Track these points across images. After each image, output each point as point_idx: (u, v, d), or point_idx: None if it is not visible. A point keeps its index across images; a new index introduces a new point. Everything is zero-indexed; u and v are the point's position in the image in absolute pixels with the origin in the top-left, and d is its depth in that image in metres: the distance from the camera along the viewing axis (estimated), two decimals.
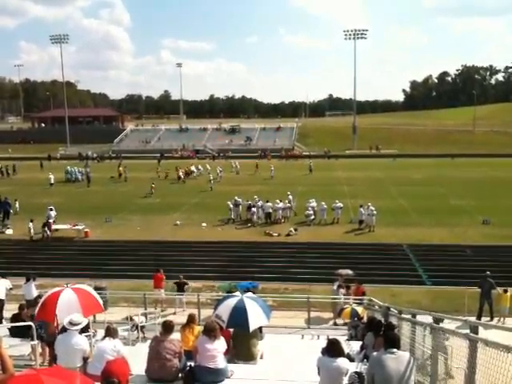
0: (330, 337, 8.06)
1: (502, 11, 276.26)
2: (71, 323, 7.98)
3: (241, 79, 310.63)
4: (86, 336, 8.68)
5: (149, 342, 8.23)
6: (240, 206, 34.59)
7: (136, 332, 13.47)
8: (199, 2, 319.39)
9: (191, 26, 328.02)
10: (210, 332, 7.67)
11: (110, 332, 7.98)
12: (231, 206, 34.11)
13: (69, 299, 8.70)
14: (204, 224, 32.70)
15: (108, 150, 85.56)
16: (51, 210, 32.19)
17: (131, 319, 13.94)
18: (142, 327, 13.78)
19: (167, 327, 7.75)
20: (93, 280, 20.12)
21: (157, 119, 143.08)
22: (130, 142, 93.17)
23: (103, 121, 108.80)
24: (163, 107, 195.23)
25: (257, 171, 58.87)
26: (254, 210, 33.13)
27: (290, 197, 36.01)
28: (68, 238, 30.49)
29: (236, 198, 35.13)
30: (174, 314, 18.01)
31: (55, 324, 8.91)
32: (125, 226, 32.96)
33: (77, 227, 30.94)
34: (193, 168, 58.14)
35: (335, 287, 18.05)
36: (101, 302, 9.26)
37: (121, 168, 56.03)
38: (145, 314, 15.06)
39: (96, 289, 18.12)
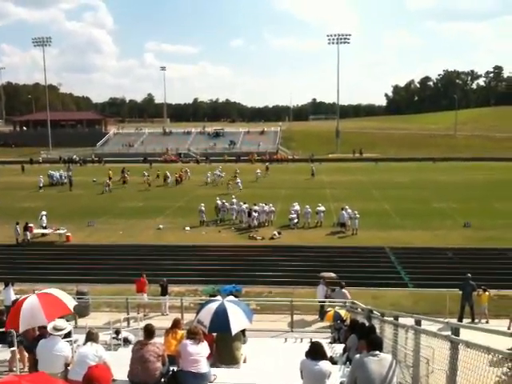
0: (313, 340, 8.07)
1: (485, 16, 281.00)
2: (55, 328, 7.89)
3: (225, 83, 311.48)
4: (68, 342, 8.59)
5: (131, 346, 8.16)
6: (227, 209, 34.64)
7: (119, 338, 13.37)
8: (183, 5, 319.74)
9: (175, 29, 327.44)
10: (193, 336, 7.63)
11: (92, 337, 7.89)
12: (203, 208, 34.12)
13: (31, 306, 8.54)
14: (187, 228, 32.59)
15: (91, 153, 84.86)
16: (44, 215, 31.98)
17: (117, 332, 13.78)
18: (126, 339, 13.64)
19: (149, 331, 7.68)
20: (75, 285, 19.97)
21: (140, 123, 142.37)
22: (112, 146, 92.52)
23: (86, 124, 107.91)
24: (147, 111, 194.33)
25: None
26: (255, 214, 33.05)
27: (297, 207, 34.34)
28: (49, 242, 30.17)
29: (223, 201, 35.23)
30: (163, 315, 17.96)
31: (20, 331, 8.80)
32: (107, 230, 32.71)
33: (58, 231, 30.63)
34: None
35: (322, 289, 18.17)
36: (70, 303, 9.06)
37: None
38: (127, 320, 14.94)
39: (78, 294, 18.11)
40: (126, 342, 13.29)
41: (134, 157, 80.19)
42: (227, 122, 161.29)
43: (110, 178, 52.60)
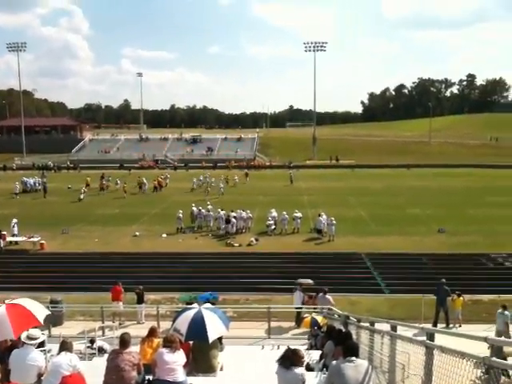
0: (291, 347, 8.07)
1: (457, 25, 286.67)
2: (29, 338, 7.73)
3: (202, 89, 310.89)
4: (42, 351, 8.42)
5: (106, 355, 8.05)
6: (203, 216, 34.52)
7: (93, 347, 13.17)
8: (160, 11, 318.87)
9: (152, 36, 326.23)
10: (169, 344, 7.57)
11: (66, 346, 7.75)
12: (180, 215, 34.03)
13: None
14: (164, 235, 32.37)
15: (66, 160, 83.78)
16: (15, 223, 31.43)
17: (92, 341, 13.58)
18: (101, 348, 13.44)
19: (124, 340, 7.59)
20: (49, 293, 19.64)
21: (116, 129, 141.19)
22: (88, 152, 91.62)
23: (61, 130, 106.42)
24: (123, 117, 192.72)
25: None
26: (234, 221, 32.94)
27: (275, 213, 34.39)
28: (23, 250, 29.63)
29: (200, 207, 35.10)
30: (139, 323, 17.77)
31: None
32: (82, 237, 32.26)
33: (32, 239, 30.11)
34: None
35: (298, 295, 18.24)
36: (41, 315, 8.86)
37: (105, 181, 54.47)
38: (102, 329, 14.74)
39: (52, 302, 17.80)
40: (101, 351, 13.10)
41: (110, 163, 79.45)
42: (204, 128, 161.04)
43: (87, 185, 51.97)
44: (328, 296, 17.93)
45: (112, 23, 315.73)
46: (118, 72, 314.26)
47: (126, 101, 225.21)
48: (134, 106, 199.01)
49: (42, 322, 8.65)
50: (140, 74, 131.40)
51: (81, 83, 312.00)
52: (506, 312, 15.99)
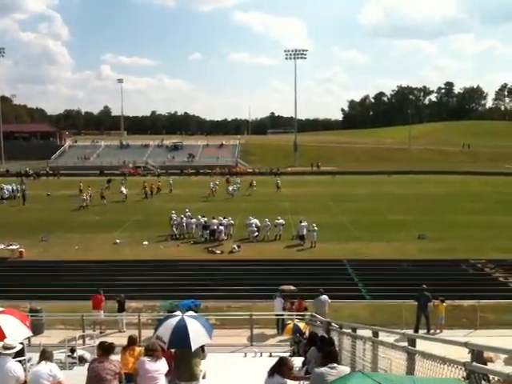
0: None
1: (433, 35, 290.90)
2: (4, 347, 7.59)
3: (183, 96, 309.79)
4: (20, 361, 8.28)
5: (87, 365, 7.96)
6: (185, 224, 34.36)
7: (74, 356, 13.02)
8: (141, 17, 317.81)
9: (132, 42, 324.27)
10: (151, 353, 7.52)
11: (46, 355, 7.64)
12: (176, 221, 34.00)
13: None
14: (145, 242, 32.14)
15: (45, 166, 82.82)
16: None
17: (72, 350, 13.41)
18: (82, 357, 13.28)
19: (105, 348, 7.52)
20: (28, 302, 19.36)
21: (97, 135, 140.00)
22: (67, 159, 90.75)
23: (40, 137, 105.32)
24: (103, 123, 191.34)
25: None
26: (221, 228, 32.70)
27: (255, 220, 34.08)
28: (1, 258, 29.12)
29: (182, 216, 34.94)
30: (120, 331, 17.59)
31: None
32: (62, 245, 31.86)
33: (11, 247, 29.65)
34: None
35: (279, 301, 18.27)
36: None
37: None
38: (83, 337, 14.57)
39: (31, 311, 17.55)
40: (82, 360, 12.96)
41: (89, 170, 78.81)
42: (186, 135, 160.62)
43: (80, 191, 51.28)
44: (325, 296, 18.22)
45: (92, 29, 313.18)
46: (98, 78, 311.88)
47: (106, 107, 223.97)
48: (115, 112, 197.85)
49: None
50: (120, 81, 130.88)
51: (60, 89, 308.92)
52: None
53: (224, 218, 33.94)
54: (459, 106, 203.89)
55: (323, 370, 5.97)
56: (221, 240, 32.25)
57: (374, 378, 3.21)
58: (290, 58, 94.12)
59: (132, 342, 9.05)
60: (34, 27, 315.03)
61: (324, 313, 17.78)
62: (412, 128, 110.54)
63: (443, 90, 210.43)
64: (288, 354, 12.89)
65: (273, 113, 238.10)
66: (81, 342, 15.87)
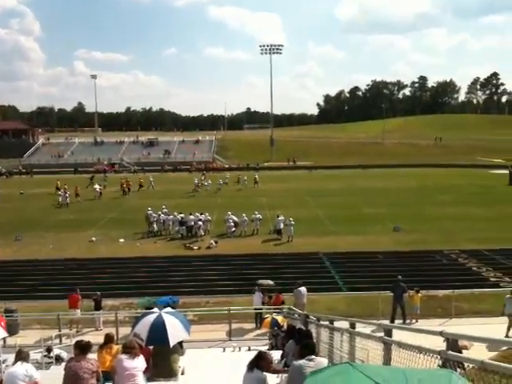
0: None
1: (407, 29, 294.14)
2: None
3: (158, 92, 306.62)
4: None
5: (64, 364, 7.87)
6: (163, 221, 34.15)
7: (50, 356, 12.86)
8: (114, 12, 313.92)
9: (106, 37, 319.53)
10: (128, 350, 7.47)
11: (22, 356, 7.54)
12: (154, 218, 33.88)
13: None
14: (122, 239, 31.86)
15: (17, 164, 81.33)
16: None
17: (48, 350, 13.25)
18: (59, 357, 13.13)
19: (81, 347, 7.44)
20: (3, 302, 19.03)
21: (70, 132, 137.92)
22: (41, 156, 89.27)
23: (12, 134, 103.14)
24: (77, 120, 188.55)
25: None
26: (200, 223, 32.66)
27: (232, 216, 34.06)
28: None
29: (159, 212, 34.71)
30: (97, 330, 17.44)
31: None
32: (37, 244, 31.37)
33: None
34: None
35: (258, 296, 18.34)
36: None
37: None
38: (59, 337, 14.41)
39: (6, 311, 17.27)
40: (59, 359, 12.82)
41: (64, 167, 77.72)
42: (161, 131, 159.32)
43: (57, 189, 50.42)
44: (304, 288, 18.47)
45: (64, 24, 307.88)
46: (71, 74, 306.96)
47: (79, 104, 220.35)
48: (89, 108, 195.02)
49: None
50: (94, 77, 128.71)
51: (33, 86, 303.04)
52: None
53: (201, 214, 33.82)
54: (432, 99, 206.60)
55: (301, 362, 6.01)
56: (199, 236, 32.21)
57: (363, 371, 3.18)
58: (266, 53, 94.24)
59: (109, 339, 8.98)
60: (5, 23, 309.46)
61: (303, 304, 17.95)
62: (386, 122, 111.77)
63: (417, 85, 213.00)
64: (266, 347, 12.94)
65: (249, 108, 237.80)
66: (57, 341, 15.70)
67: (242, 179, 60.17)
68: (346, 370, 3.24)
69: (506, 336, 15.99)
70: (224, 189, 55.66)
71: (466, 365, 3.94)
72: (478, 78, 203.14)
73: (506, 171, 57.53)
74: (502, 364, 3.42)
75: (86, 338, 9.39)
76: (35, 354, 11.99)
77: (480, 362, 3.56)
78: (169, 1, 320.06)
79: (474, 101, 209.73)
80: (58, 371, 7.87)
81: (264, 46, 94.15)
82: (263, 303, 18.32)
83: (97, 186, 51.95)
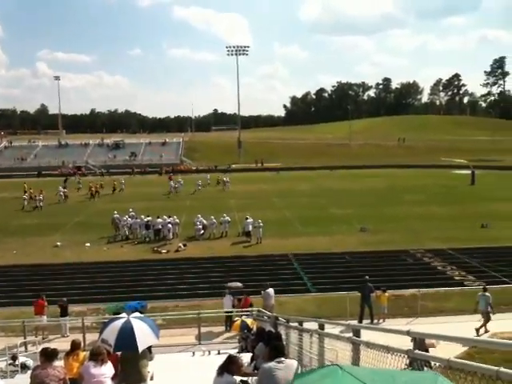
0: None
1: (371, 30, 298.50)
2: None
3: (124, 93, 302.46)
4: None
5: (30, 372, 7.70)
6: (130, 224, 33.72)
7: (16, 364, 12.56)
8: (77, 12, 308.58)
9: (69, 37, 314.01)
10: (96, 357, 7.35)
11: None
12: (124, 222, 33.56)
13: None
14: (88, 244, 31.33)
15: None
16: None
17: (14, 358, 12.94)
18: (24, 365, 12.84)
19: (48, 354, 7.29)
20: None
21: (34, 135, 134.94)
22: (3, 160, 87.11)
23: None
24: (40, 122, 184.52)
25: None
26: (169, 226, 32.47)
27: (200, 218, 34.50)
28: None
29: (127, 216, 34.25)
30: (63, 336, 17.11)
31: None
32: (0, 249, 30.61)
33: None
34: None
35: (228, 299, 18.34)
36: None
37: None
38: (24, 344, 14.09)
39: None
40: (24, 367, 12.54)
41: (27, 171, 76.01)
42: (127, 133, 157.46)
43: (25, 192, 49.30)
44: (272, 289, 18.59)
45: (27, 24, 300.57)
46: (33, 76, 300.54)
47: (42, 105, 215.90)
48: (52, 110, 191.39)
49: None
50: (57, 78, 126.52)
51: None
52: (487, 293, 16.94)
53: (169, 217, 33.56)
54: (396, 101, 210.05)
55: (271, 364, 6.02)
56: (168, 239, 31.97)
57: (352, 373, 3.20)
58: (232, 55, 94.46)
59: (75, 346, 8.83)
60: None
61: (272, 305, 18.01)
62: (352, 124, 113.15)
63: (381, 86, 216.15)
64: (236, 350, 12.92)
65: (216, 109, 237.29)
66: (23, 348, 15.36)
67: (225, 181, 59.77)
68: (335, 372, 3.26)
69: (477, 333, 16.32)
70: (201, 191, 55.54)
71: (432, 363, 4.03)
72: (441, 80, 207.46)
73: (469, 171, 58.95)
74: (467, 362, 3.50)
75: (52, 345, 9.19)
76: (0, 363, 11.69)
77: (446, 360, 3.64)
78: (133, 1, 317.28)
79: (437, 102, 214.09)
80: (24, 380, 7.70)
81: (230, 47, 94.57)
82: (233, 306, 18.30)
83: (61, 190, 50.96)
